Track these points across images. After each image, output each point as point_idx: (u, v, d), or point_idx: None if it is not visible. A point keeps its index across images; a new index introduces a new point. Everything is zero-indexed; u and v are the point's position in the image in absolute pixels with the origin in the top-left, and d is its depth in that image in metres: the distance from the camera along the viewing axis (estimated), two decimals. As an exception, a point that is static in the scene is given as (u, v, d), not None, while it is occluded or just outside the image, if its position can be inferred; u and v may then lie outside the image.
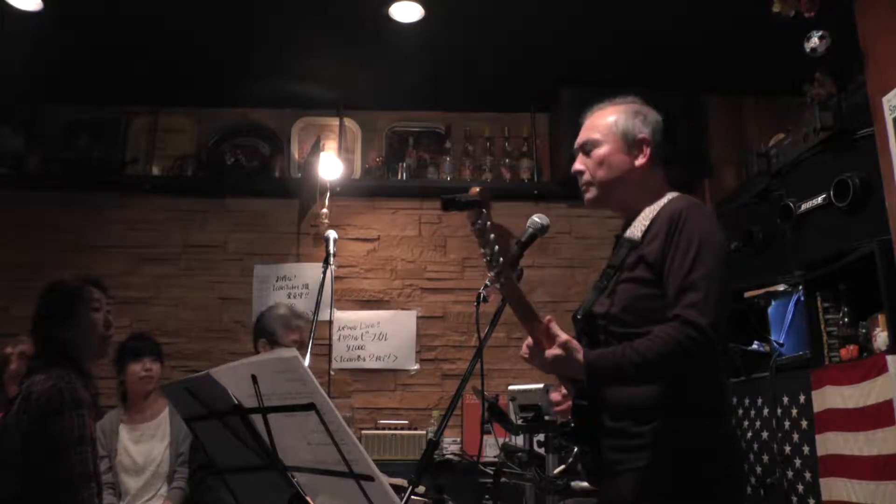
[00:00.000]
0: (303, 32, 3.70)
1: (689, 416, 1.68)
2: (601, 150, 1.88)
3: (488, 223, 1.61)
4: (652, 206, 1.84)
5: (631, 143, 1.87)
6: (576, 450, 2.61)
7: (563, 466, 2.59)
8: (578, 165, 1.92)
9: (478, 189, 1.64)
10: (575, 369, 1.64)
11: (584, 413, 1.74)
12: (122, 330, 3.79)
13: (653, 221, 1.79)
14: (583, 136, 1.93)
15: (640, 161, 1.87)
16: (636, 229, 1.81)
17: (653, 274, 1.72)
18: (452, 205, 1.63)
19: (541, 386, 3.21)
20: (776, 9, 2.76)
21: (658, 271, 1.72)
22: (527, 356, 1.72)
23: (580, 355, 1.63)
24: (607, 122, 1.91)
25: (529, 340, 1.70)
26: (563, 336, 1.63)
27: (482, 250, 1.64)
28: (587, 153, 1.90)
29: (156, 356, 3.44)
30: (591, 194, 1.90)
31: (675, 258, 1.69)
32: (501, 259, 1.62)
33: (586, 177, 1.90)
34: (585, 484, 2.36)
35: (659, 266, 1.72)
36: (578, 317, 1.83)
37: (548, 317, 1.66)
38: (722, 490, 1.68)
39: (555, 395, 1.93)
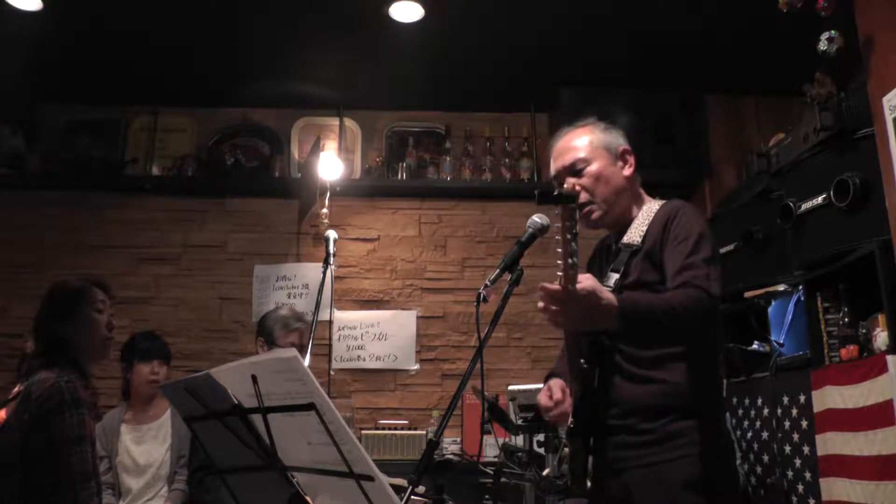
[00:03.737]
0: (303, 32, 3.70)
1: (695, 414, 1.72)
2: (594, 167, 1.88)
3: (577, 224, 1.50)
4: (643, 212, 1.89)
5: (616, 156, 1.91)
6: (561, 454, 2.59)
7: (547, 470, 2.58)
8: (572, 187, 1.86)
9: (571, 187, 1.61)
10: (605, 311, 1.53)
11: (587, 411, 1.75)
12: (122, 330, 3.78)
13: (650, 225, 1.83)
14: (567, 160, 1.90)
15: (627, 171, 1.92)
16: (634, 234, 1.85)
17: (657, 272, 1.76)
18: (548, 198, 1.48)
19: (541, 386, 3.21)
20: None
21: (660, 266, 1.76)
22: (555, 295, 1.53)
23: (611, 295, 1.55)
24: (585, 141, 1.92)
25: (550, 286, 1.54)
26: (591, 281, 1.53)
27: (570, 247, 1.49)
28: (578, 174, 1.89)
29: (164, 359, 3.44)
30: (596, 214, 1.89)
31: (674, 246, 1.74)
32: (577, 261, 1.50)
33: (584, 196, 1.87)
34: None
35: (660, 259, 1.77)
36: None
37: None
38: (726, 484, 1.74)
39: (544, 400, 1.88)
